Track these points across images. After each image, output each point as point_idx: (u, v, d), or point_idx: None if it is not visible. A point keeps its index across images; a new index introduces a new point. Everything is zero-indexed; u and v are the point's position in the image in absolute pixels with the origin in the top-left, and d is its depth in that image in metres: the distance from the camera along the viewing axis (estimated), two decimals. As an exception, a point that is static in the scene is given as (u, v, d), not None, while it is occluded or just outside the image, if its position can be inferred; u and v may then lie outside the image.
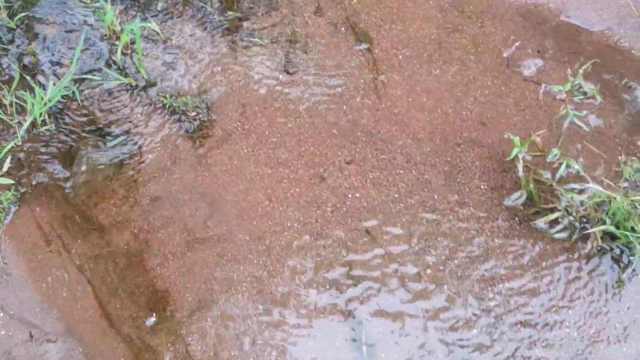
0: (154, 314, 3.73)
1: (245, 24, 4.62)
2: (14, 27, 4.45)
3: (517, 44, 4.55)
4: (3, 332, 3.58)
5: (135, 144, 4.14)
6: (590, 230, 3.84)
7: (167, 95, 4.28)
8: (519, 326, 3.70)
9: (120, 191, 4.00)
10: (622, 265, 3.85)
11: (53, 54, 4.40)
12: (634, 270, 3.83)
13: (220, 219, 3.92)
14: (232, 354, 3.61)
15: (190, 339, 3.66)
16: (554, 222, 3.96)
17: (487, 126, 4.24)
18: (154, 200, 3.98)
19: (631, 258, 3.84)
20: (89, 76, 4.32)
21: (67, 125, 4.22)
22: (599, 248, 3.88)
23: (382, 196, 4.00)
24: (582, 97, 4.33)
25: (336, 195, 4.01)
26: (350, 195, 4.01)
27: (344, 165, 4.10)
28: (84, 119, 4.24)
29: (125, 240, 3.88)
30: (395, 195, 4.01)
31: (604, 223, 3.83)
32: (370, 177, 4.08)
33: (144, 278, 3.81)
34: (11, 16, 4.49)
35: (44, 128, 4.12)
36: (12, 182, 3.94)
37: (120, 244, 3.88)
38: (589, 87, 4.34)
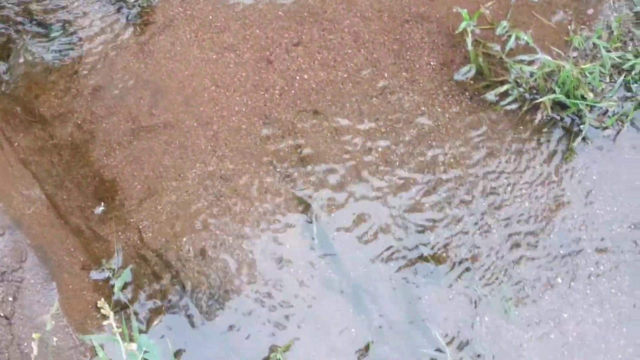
0: (102, 204, 3.63)
1: None
2: None
3: None
4: (-50, 229, 3.50)
5: (74, 34, 3.98)
6: (540, 100, 3.80)
7: (105, -17, 4.09)
8: (471, 199, 3.67)
9: (61, 82, 3.87)
10: (572, 134, 3.80)
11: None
12: (583, 138, 3.79)
13: (166, 106, 3.81)
14: (185, 239, 3.55)
15: (141, 226, 3.59)
16: (504, 94, 3.93)
17: (435, 0, 4.12)
18: (96, 90, 3.86)
19: (581, 127, 3.81)
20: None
21: (2, 17, 4.02)
22: (549, 118, 3.84)
23: (331, 77, 3.92)
24: (532, -32, 4.21)
25: (284, 78, 3.91)
26: (298, 78, 3.92)
27: (291, 47, 3.99)
28: (20, 9, 4.05)
29: (68, 131, 3.77)
30: (344, 76, 3.92)
31: (554, 92, 3.77)
32: (318, 58, 3.98)
33: (91, 169, 3.72)
34: None
35: (-21, 22, 3.93)
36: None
37: (64, 136, 3.77)
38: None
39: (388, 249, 3.61)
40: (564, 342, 3.43)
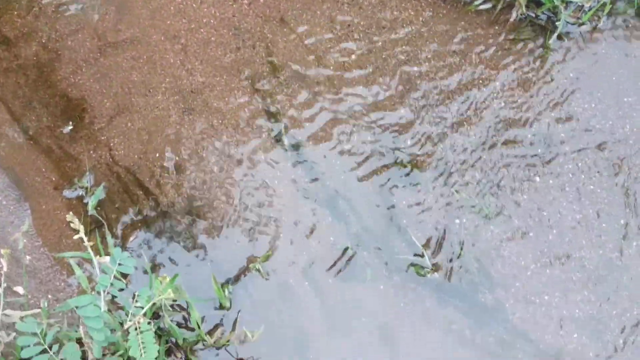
0: (71, 123, 3.55)
1: None
2: None
3: None
4: None
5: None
6: (514, -2, 3.67)
7: None
8: (447, 102, 3.60)
9: (23, 1, 3.73)
10: (547, 32, 3.70)
11: None
12: (559, 35, 3.69)
13: (132, 21, 3.70)
14: (157, 155, 3.48)
15: (112, 144, 3.51)
16: (478, -7, 3.77)
17: None
18: (59, 8, 3.73)
19: (557, 23, 3.71)
20: None
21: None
22: (524, 16, 3.76)
23: (301, -16, 3.77)
24: None
25: (252, -12, 3.77)
26: (267, -14, 3.78)
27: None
28: None
29: (33, 51, 3.66)
30: (314, -17, 3.78)
31: (529, -11, 3.65)
32: (287, -35, 3.83)
33: (58, 88, 3.63)
34: None
35: None
36: None
37: (29, 56, 3.66)
38: None
39: (363, 155, 3.56)
40: (544, 240, 3.41)
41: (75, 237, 2.65)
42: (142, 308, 2.70)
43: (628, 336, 3.27)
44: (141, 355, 2.64)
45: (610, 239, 3.41)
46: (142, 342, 2.63)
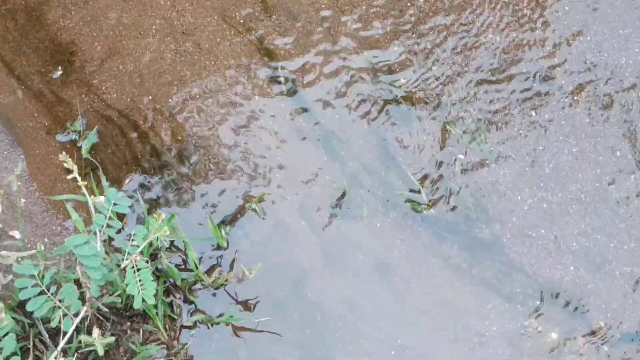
0: (60, 67, 3.51)
1: None
2: None
3: None
4: None
5: None
6: None
7: None
8: (440, 37, 3.59)
9: (7, -56, 3.65)
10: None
11: None
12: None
13: (120, -38, 3.61)
14: (150, 98, 3.45)
15: (104, 87, 3.47)
16: None
17: None
18: (45, -50, 3.64)
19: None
20: None
21: None
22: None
23: None
24: None
25: None
26: None
27: None
28: None
29: (21, -5, 3.58)
30: None
31: None
32: None
33: (47, 32, 3.58)
34: None
35: None
36: None
37: (17, 0, 3.57)
38: None
39: (358, 94, 3.51)
40: (540, 175, 3.40)
41: (69, 177, 2.62)
42: (139, 247, 2.68)
43: (624, 267, 3.26)
44: (139, 292, 2.63)
45: (606, 172, 3.39)
46: (140, 280, 2.63)
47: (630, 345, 3.16)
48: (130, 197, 3.23)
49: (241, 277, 3.16)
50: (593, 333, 3.17)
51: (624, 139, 3.47)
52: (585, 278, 3.25)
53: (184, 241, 3.14)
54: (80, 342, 2.85)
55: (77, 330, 2.90)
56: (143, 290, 2.63)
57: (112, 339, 2.77)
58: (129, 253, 2.69)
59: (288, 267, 3.25)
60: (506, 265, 3.28)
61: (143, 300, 2.63)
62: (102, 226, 2.66)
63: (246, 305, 3.21)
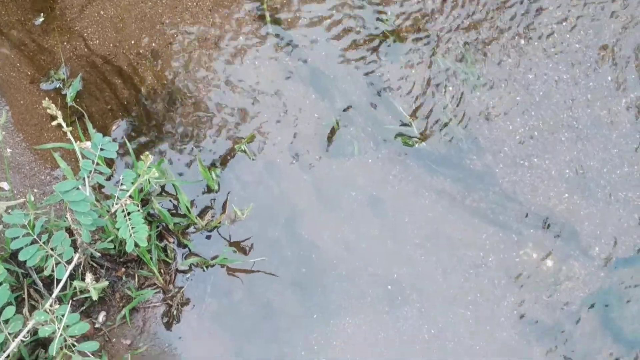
0: (42, 14, 3.41)
1: None
2: None
3: None
4: None
5: None
6: None
7: None
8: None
9: None
10: None
11: None
12: None
13: None
14: (133, 42, 3.40)
15: (86, 34, 3.40)
16: None
17: None
18: None
19: None
20: None
21: None
22: None
23: None
24: None
25: None
26: None
27: None
28: None
29: (-5, -58, 3.48)
30: None
31: None
32: None
33: (24, -20, 3.46)
34: None
35: None
36: None
37: (-9, -52, 3.48)
38: None
39: (345, 30, 3.46)
40: (531, 103, 3.36)
41: (54, 123, 2.57)
42: (128, 191, 2.65)
43: (619, 192, 3.24)
44: (131, 236, 2.61)
45: (598, 97, 3.36)
46: (131, 224, 2.60)
47: (625, 270, 3.16)
48: (118, 143, 3.14)
49: (234, 218, 3.14)
50: (589, 259, 3.16)
51: (615, 63, 3.42)
52: (579, 205, 3.24)
53: (174, 185, 3.09)
54: (75, 289, 2.83)
55: (72, 278, 2.88)
56: (135, 233, 2.61)
57: (106, 283, 2.76)
58: (118, 198, 2.65)
59: (281, 206, 3.23)
60: (499, 195, 3.25)
61: (135, 244, 2.59)
62: (90, 172, 2.62)
63: (240, 247, 3.20)
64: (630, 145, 3.29)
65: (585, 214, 3.22)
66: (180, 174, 3.22)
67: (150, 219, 3.09)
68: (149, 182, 2.87)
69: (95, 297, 2.57)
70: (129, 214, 2.62)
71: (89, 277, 2.56)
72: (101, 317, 3.00)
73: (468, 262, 3.15)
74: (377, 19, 3.44)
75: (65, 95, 3.33)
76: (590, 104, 3.34)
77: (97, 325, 2.97)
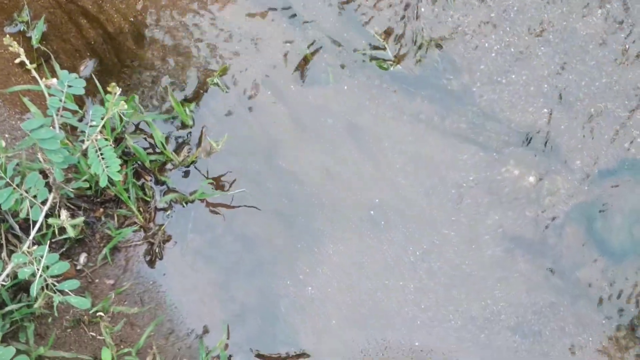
0: (0, -44, 3.30)
1: None
2: None
3: None
4: None
5: None
6: None
7: None
8: None
9: None
10: None
11: None
12: None
13: None
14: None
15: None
16: None
17: None
18: None
19: None
20: None
21: None
22: None
23: None
24: None
25: None
26: None
27: None
28: None
29: None
30: None
31: None
32: None
33: None
34: None
35: None
36: None
37: None
38: None
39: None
40: (506, 19, 3.40)
41: (17, 61, 2.49)
42: (97, 126, 2.58)
43: (598, 104, 3.20)
44: (103, 170, 2.55)
45: (573, 9, 3.29)
46: (103, 158, 2.54)
47: (608, 181, 3.13)
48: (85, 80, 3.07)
49: (209, 150, 3.08)
50: (571, 172, 3.12)
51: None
52: (558, 119, 3.19)
53: (147, 122, 3.02)
54: (53, 230, 2.79)
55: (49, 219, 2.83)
56: (107, 167, 2.55)
57: (82, 218, 2.73)
58: (88, 135, 2.58)
59: (258, 138, 3.18)
60: (478, 114, 3.21)
61: (110, 180, 2.53)
62: (58, 109, 2.54)
63: (220, 182, 3.15)
64: (608, 56, 3.24)
65: (565, 128, 3.18)
66: (154, 111, 3.14)
67: (125, 157, 3.03)
68: (121, 118, 2.80)
69: (72, 234, 2.52)
70: (100, 149, 2.55)
71: (64, 213, 2.52)
72: (82, 258, 2.96)
73: (450, 183, 3.11)
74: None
75: (31, 37, 3.22)
76: (565, 17, 3.27)
77: (78, 267, 2.93)
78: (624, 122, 3.17)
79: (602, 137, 3.18)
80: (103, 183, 2.54)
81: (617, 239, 3.10)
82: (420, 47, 3.25)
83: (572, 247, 3.09)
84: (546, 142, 3.17)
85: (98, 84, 3.06)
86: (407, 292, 3.04)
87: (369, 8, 3.28)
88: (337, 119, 3.20)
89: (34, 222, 2.62)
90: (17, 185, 2.58)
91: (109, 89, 2.47)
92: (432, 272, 3.03)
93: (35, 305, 2.62)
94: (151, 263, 3.01)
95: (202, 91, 3.20)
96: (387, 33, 3.27)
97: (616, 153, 3.17)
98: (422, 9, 3.31)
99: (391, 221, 3.08)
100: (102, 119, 2.58)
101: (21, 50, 2.46)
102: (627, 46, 3.21)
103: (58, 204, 2.79)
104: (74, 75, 2.66)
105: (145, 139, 3.11)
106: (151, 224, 3.04)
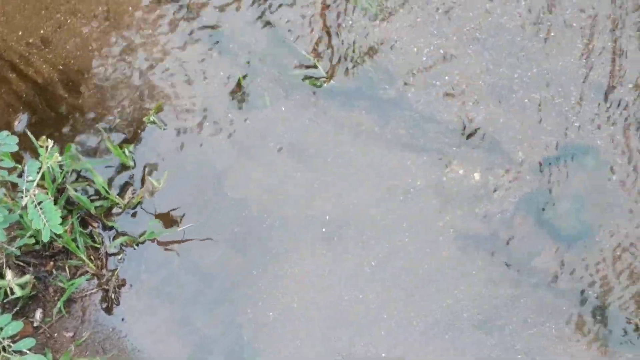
0: None
1: None
2: None
3: None
4: None
5: None
6: None
7: None
8: None
9: None
10: None
11: None
12: None
13: None
14: (20, 34, 3.35)
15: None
16: None
17: None
18: None
19: None
20: None
21: None
22: None
23: None
24: None
25: None
26: None
27: None
28: None
29: None
30: None
31: None
32: None
33: None
34: None
35: None
36: None
37: None
38: None
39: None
40: (432, 22, 3.44)
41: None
42: (34, 181, 2.56)
43: (532, 94, 3.24)
44: (45, 225, 2.53)
45: (496, 4, 3.40)
46: (43, 212, 2.52)
47: (552, 169, 3.17)
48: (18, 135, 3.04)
49: (152, 190, 3.06)
50: (514, 164, 3.16)
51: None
52: (496, 113, 3.23)
53: (87, 168, 3.01)
54: (6, 290, 2.75)
55: (-1, 280, 2.80)
56: (48, 222, 2.53)
57: (29, 277, 2.69)
58: (26, 190, 2.56)
59: (202, 170, 3.17)
60: (416, 119, 3.24)
61: (51, 232, 2.51)
62: (-10, 168, 2.52)
63: (170, 218, 3.13)
64: (536, 45, 3.29)
65: (503, 121, 3.22)
66: (93, 156, 3.12)
67: (70, 207, 3.00)
68: (59, 169, 2.78)
69: (20, 294, 2.50)
70: (40, 203, 2.53)
71: (9, 274, 2.49)
72: (38, 314, 2.93)
73: (398, 190, 3.13)
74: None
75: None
76: (490, 13, 3.31)
77: (35, 324, 2.91)
78: (560, 109, 3.22)
79: (540, 126, 3.22)
80: (46, 238, 2.52)
81: (567, 224, 3.14)
82: (351, 61, 3.29)
83: (524, 238, 3.13)
84: (486, 138, 3.21)
85: (32, 138, 3.02)
86: (368, 303, 3.05)
87: (297, 27, 3.29)
88: (279, 140, 3.22)
89: (-19, 286, 2.58)
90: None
91: (40, 142, 2.46)
92: (391, 280, 3.05)
93: (-7, 370, 2.59)
94: (108, 310, 2.98)
95: (139, 131, 3.20)
96: (317, 50, 3.28)
97: (555, 140, 3.22)
98: (350, 22, 3.33)
99: (344, 235, 3.09)
100: (38, 172, 2.55)
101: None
102: (552, 33, 3.26)
103: (5, 264, 2.76)
104: (6, 132, 2.65)
105: (89, 185, 3.08)
106: (104, 271, 3.02)
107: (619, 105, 3.21)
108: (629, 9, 3.34)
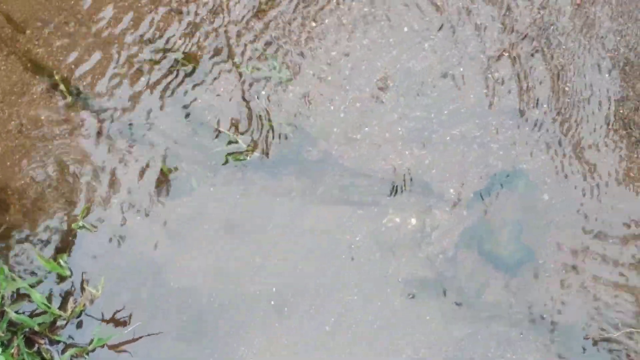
0: None
1: None
2: None
3: None
4: None
5: None
6: None
7: None
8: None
9: None
10: None
11: None
12: None
13: None
14: None
15: None
16: None
17: None
18: None
19: None
20: None
21: None
22: None
23: None
24: None
25: None
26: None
27: None
28: None
29: None
30: None
31: None
32: None
33: None
34: None
35: None
36: None
37: None
38: None
39: (137, 71, 3.44)
40: (343, 77, 3.52)
41: None
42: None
43: (452, 130, 3.31)
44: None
45: (402, 50, 3.48)
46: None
47: (484, 201, 3.21)
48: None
49: (91, 298, 3.02)
50: (447, 203, 3.20)
51: (407, 10, 3.46)
52: (421, 155, 3.28)
53: (23, 288, 2.96)
54: None
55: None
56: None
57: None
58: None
59: (140, 265, 3.15)
60: (345, 175, 3.26)
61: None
62: None
63: (117, 319, 3.08)
64: (447, 83, 3.36)
65: (429, 162, 3.26)
66: (31, 273, 3.07)
67: (13, 328, 2.94)
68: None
69: None
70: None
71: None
72: None
73: (339, 249, 3.15)
74: (165, 50, 3.36)
75: None
76: (396, 60, 3.37)
77: None
78: (480, 140, 3.26)
79: (466, 160, 3.27)
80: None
81: (509, 251, 3.18)
82: (271, 129, 3.29)
83: (470, 273, 3.15)
84: (415, 182, 3.24)
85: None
86: (331, 367, 3.03)
87: (212, 107, 3.31)
88: (212, 221, 3.21)
89: None
90: None
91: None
92: (349, 339, 3.04)
93: None
94: None
95: (71, 238, 3.16)
96: (235, 126, 3.30)
97: (483, 171, 3.26)
98: (263, 92, 3.35)
99: (293, 304, 3.08)
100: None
101: None
102: (461, 69, 3.32)
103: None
104: None
105: (29, 301, 3.03)
106: (58, 387, 2.95)
107: (534, 126, 3.28)
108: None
